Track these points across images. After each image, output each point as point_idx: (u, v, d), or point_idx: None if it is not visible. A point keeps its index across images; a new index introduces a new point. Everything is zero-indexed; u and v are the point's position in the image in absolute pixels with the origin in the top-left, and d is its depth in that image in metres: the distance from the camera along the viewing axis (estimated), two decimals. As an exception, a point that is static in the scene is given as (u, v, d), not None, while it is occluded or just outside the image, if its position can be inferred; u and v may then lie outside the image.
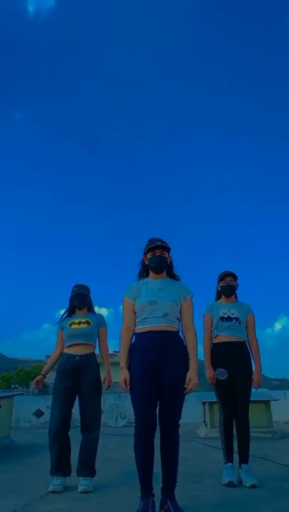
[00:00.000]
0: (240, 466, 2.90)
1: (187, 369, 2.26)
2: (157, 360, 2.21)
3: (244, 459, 2.92)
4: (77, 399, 3.01)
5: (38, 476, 3.20)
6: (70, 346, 3.09)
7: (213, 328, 3.18)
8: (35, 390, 14.29)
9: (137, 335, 2.35)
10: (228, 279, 3.21)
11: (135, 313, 2.39)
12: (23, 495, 2.63)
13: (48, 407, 8.91)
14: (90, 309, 3.30)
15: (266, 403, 6.46)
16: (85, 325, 3.13)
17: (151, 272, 2.49)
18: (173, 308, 2.32)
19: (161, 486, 2.19)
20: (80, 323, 3.15)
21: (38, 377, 3.24)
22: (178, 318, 2.36)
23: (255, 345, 3.15)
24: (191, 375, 2.22)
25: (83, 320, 3.17)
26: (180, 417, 2.24)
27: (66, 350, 3.11)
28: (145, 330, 2.30)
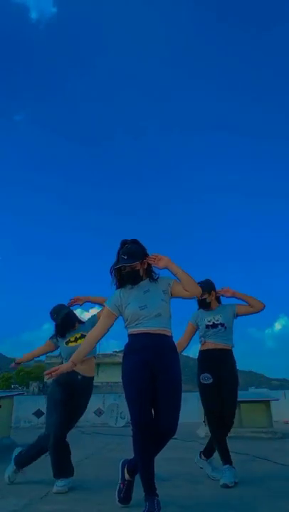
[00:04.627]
0: (206, 459, 3.14)
1: (180, 372, 2.27)
2: (152, 361, 2.20)
3: (209, 453, 3.13)
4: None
5: (38, 476, 3.20)
6: None
7: (201, 335, 3.23)
8: (36, 389, 14.30)
9: (131, 336, 2.33)
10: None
11: (110, 323, 2.40)
12: (23, 495, 2.63)
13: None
14: (79, 321, 3.24)
15: (266, 403, 6.46)
16: (82, 339, 3.01)
17: None
18: (164, 307, 2.32)
19: (159, 486, 2.18)
20: (76, 339, 3.09)
21: (17, 360, 3.37)
22: (170, 318, 2.36)
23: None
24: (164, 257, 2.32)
25: (78, 335, 3.11)
26: (177, 423, 2.20)
27: None
28: (139, 331, 2.28)
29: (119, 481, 2.42)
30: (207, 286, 3.21)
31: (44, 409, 8.84)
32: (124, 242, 2.44)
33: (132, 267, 2.36)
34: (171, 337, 2.34)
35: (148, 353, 2.22)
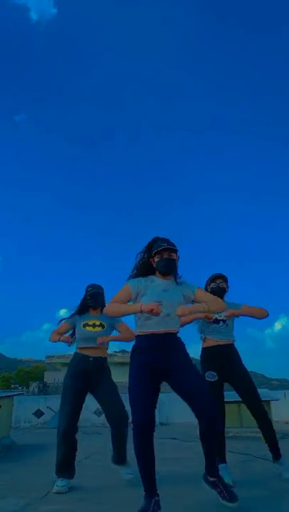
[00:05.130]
0: (276, 460, 2.95)
1: (194, 367, 2.26)
2: (159, 359, 2.22)
3: (275, 455, 2.93)
4: (94, 401, 3.04)
5: (38, 476, 3.20)
6: (83, 348, 3.07)
7: (200, 331, 3.18)
8: (36, 389, 14.30)
9: (138, 337, 2.34)
10: (219, 280, 3.15)
11: (126, 302, 2.36)
12: (23, 495, 2.63)
13: (47, 407, 8.92)
14: (103, 309, 3.23)
15: (266, 403, 6.46)
16: (100, 328, 3.09)
17: (157, 273, 2.43)
18: (175, 309, 2.28)
19: (159, 486, 2.18)
20: (94, 325, 3.10)
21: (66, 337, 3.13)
22: (179, 317, 2.35)
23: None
24: (186, 307, 2.20)
25: (97, 322, 3.12)
26: (213, 407, 2.15)
27: (79, 351, 3.09)
28: (146, 333, 2.29)
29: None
30: (224, 275, 3.17)
31: (44, 409, 8.88)
32: (155, 239, 2.45)
33: (170, 254, 2.36)
34: (176, 333, 2.35)
35: (154, 352, 2.24)
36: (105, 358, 3.13)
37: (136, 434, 2.13)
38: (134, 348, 2.34)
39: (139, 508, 2.04)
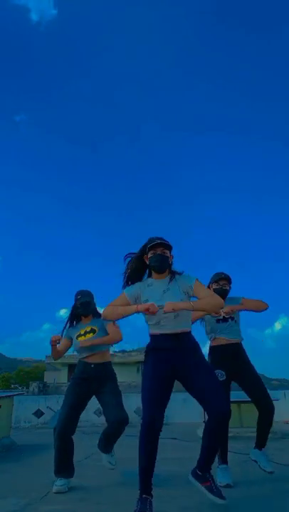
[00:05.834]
0: (260, 449, 2.99)
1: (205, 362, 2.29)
2: (175, 359, 2.23)
3: (262, 443, 3.01)
4: (93, 401, 3.05)
5: (38, 476, 3.20)
6: (84, 357, 3.09)
7: (210, 331, 3.14)
8: (36, 389, 14.31)
9: (153, 336, 2.34)
10: (222, 282, 3.11)
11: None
12: (23, 495, 2.63)
13: (47, 407, 8.92)
14: (95, 314, 3.24)
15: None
16: (91, 334, 3.08)
17: (153, 273, 2.43)
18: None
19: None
20: (85, 333, 3.10)
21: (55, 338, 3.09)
22: (189, 315, 2.35)
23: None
24: (174, 303, 2.16)
25: (88, 329, 3.12)
26: (228, 403, 2.17)
27: (81, 359, 3.10)
28: (160, 332, 2.29)
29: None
30: (228, 276, 3.14)
31: (44, 409, 8.89)
32: (150, 238, 2.42)
33: (163, 250, 2.34)
34: (189, 332, 2.34)
35: (170, 352, 2.25)
36: (108, 362, 3.11)
37: (142, 431, 2.11)
38: (149, 348, 2.34)
39: (136, 508, 2.01)
